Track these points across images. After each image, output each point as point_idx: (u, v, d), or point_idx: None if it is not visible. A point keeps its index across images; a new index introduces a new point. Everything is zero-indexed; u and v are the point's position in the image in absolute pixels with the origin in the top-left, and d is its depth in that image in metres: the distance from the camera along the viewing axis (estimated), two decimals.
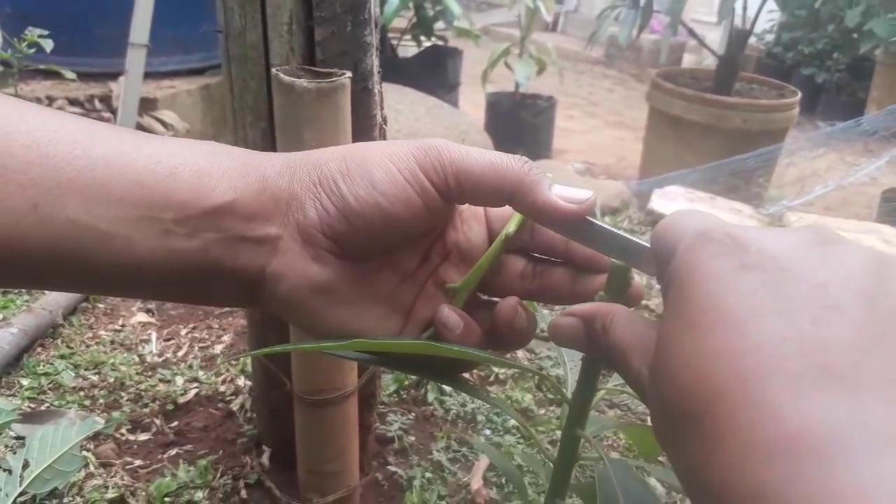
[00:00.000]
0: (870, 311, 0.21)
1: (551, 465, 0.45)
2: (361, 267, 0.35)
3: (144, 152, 0.31)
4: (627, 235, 0.34)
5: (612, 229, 0.34)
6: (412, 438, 1.06)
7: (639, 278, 0.36)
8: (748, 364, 0.21)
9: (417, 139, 0.35)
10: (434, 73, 3.10)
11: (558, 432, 1.09)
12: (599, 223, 0.34)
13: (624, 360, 0.30)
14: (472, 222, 0.39)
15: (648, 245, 0.32)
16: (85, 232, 0.29)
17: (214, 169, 0.32)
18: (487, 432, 1.09)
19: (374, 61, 0.83)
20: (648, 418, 1.16)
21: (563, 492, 0.45)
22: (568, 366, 0.51)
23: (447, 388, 1.16)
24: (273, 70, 0.73)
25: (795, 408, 0.20)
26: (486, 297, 0.39)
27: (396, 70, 2.86)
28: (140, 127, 2.19)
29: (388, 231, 0.34)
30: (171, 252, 0.31)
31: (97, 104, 2.21)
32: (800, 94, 2.89)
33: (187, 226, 0.31)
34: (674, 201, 2.21)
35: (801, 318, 0.21)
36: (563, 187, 0.34)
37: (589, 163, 3.41)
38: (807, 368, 0.20)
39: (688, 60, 5.37)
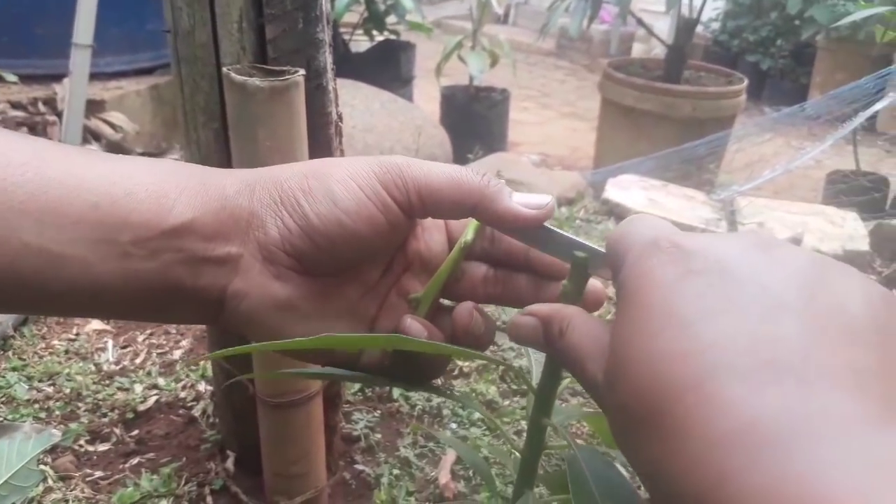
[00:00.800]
0: (812, 308, 0.22)
1: (517, 455, 0.46)
2: (323, 282, 0.35)
3: (99, 172, 0.31)
4: (584, 242, 0.35)
5: (569, 236, 0.35)
6: (378, 436, 1.06)
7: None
8: (701, 362, 0.22)
9: (378, 156, 0.35)
10: (387, 67, 3.08)
11: (524, 422, 1.10)
12: (557, 230, 0.35)
13: (579, 365, 0.30)
14: (432, 231, 0.39)
15: (604, 251, 0.33)
16: (39, 255, 0.29)
17: (172, 188, 0.32)
18: (454, 426, 1.10)
19: (328, 58, 0.82)
20: None
21: (531, 481, 0.45)
22: (532, 356, 0.52)
23: None
24: (224, 69, 0.72)
25: (750, 401, 0.20)
26: (449, 304, 0.39)
27: (349, 65, 2.83)
28: (88, 130, 2.13)
29: (350, 248, 0.34)
30: (130, 273, 0.31)
31: (41, 107, 2.14)
32: (746, 81, 2.96)
33: (145, 247, 0.31)
34: (628, 190, 2.24)
35: (748, 316, 0.22)
36: (522, 195, 0.35)
37: (544, 154, 3.44)
38: (758, 363, 0.21)
39: (637, 50, 5.44)
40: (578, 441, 1.10)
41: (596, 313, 0.39)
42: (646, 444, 0.23)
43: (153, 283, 0.31)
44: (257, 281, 0.33)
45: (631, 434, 0.25)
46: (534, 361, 0.51)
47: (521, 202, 0.34)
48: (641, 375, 0.24)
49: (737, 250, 0.25)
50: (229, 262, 0.33)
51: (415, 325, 0.35)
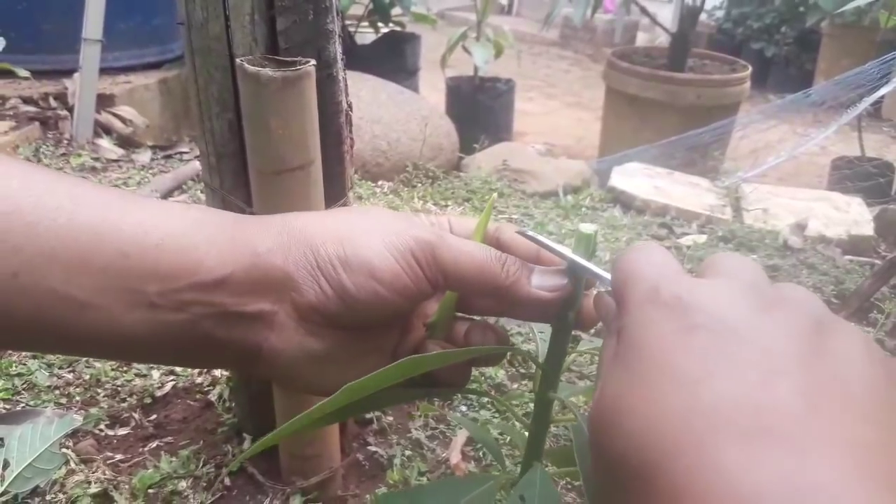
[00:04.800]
0: (810, 378, 0.22)
1: (526, 433, 0.48)
2: (352, 332, 0.36)
3: (131, 220, 0.31)
4: (592, 267, 0.35)
5: (580, 260, 0.36)
6: (390, 419, 1.08)
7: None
8: (701, 423, 0.22)
9: (412, 227, 0.35)
10: (393, 59, 3.10)
11: (531, 405, 1.12)
12: (569, 256, 0.36)
13: None
14: None
15: (608, 276, 0.33)
16: (65, 302, 0.29)
17: (202, 241, 0.32)
18: (463, 408, 1.12)
19: (338, 48, 0.84)
20: None
21: (538, 453, 0.47)
22: (538, 338, 0.54)
23: None
24: (238, 60, 0.74)
25: (748, 468, 0.20)
26: (463, 316, 0.41)
27: (355, 57, 2.84)
28: (98, 124, 2.15)
29: (382, 312, 0.35)
30: (156, 324, 0.31)
31: (52, 102, 2.16)
32: (750, 69, 2.96)
33: (173, 299, 0.31)
34: (633, 178, 2.25)
35: (749, 380, 0.22)
36: (541, 276, 0.36)
37: (549, 144, 3.44)
38: (757, 430, 0.21)
39: (641, 39, 5.43)
40: None
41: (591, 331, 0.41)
42: (632, 498, 0.23)
43: (181, 335, 0.32)
44: (293, 338, 0.34)
45: (616, 484, 0.24)
46: (539, 341, 0.53)
47: (541, 286, 0.35)
48: (637, 428, 0.23)
49: (739, 309, 0.25)
50: (263, 319, 0.33)
51: (435, 350, 0.38)
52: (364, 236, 0.34)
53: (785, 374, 0.22)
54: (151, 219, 0.31)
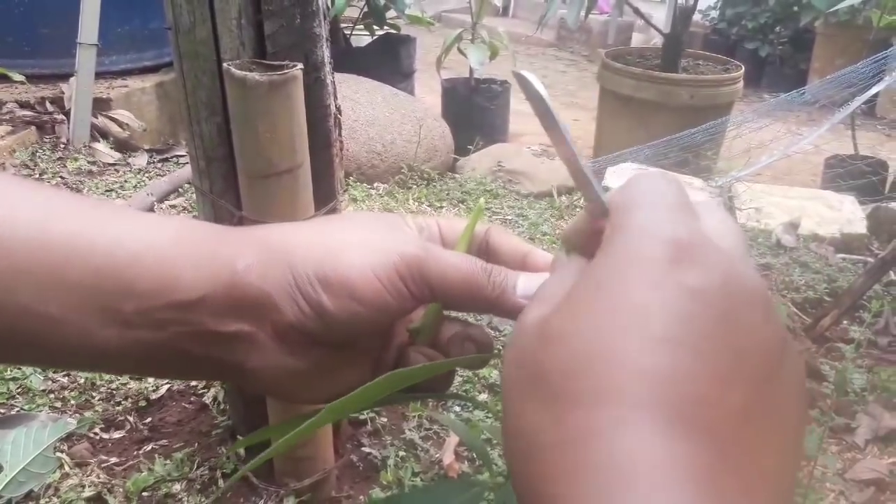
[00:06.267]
0: (762, 397, 0.22)
1: None
2: (332, 347, 0.36)
3: (107, 235, 0.30)
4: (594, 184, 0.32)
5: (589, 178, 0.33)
6: (384, 419, 1.09)
7: None
8: (659, 392, 0.21)
9: (396, 241, 0.35)
10: (388, 61, 3.10)
11: None
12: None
13: None
14: None
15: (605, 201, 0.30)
16: (38, 319, 0.29)
17: (179, 257, 0.31)
18: (457, 409, 1.13)
19: (326, 52, 0.84)
20: None
21: None
22: None
23: None
24: (224, 65, 0.75)
25: (671, 453, 0.20)
26: (455, 315, 0.41)
27: (350, 60, 2.85)
28: (95, 128, 2.16)
29: (361, 329, 0.35)
30: (133, 342, 0.31)
31: (49, 106, 2.17)
32: (743, 69, 2.97)
33: (150, 317, 0.30)
34: (627, 178, 2.26)
35: (719, 374, 0.21)
36: (526, 284, 0.35)
37: (545, 145, 3.45)
38: (697, 420, 0.21)
39: (637, 39, 5.44)
40: None
41: None
42: (539, 408, 0.23)
43: (159, 352, 0.31)
44: (273, 357, 0.34)
45: (520, 391, 0.24)
46: None
47: (525, 294, 0.35)
48: (584, 355, 0.22)
49: (750, 302, 0.23)
50: (242, 339, 0.33)
51: (418, 358, 0.37)
52: (345, 253, 0.33)
53: (746, 384, 0.22)
54: (128, 233, 0.30)
